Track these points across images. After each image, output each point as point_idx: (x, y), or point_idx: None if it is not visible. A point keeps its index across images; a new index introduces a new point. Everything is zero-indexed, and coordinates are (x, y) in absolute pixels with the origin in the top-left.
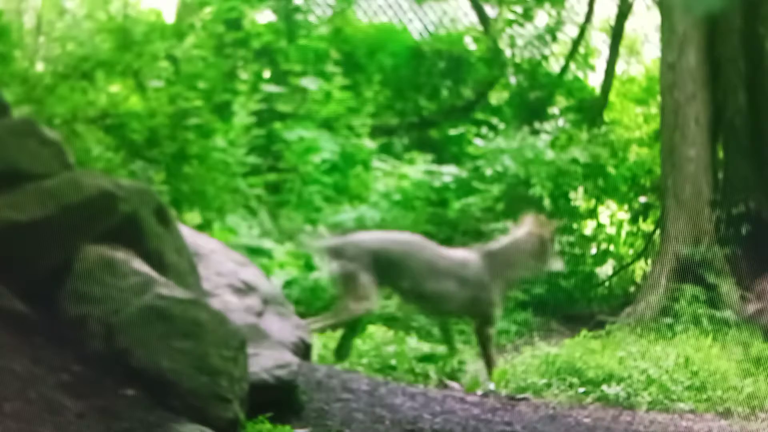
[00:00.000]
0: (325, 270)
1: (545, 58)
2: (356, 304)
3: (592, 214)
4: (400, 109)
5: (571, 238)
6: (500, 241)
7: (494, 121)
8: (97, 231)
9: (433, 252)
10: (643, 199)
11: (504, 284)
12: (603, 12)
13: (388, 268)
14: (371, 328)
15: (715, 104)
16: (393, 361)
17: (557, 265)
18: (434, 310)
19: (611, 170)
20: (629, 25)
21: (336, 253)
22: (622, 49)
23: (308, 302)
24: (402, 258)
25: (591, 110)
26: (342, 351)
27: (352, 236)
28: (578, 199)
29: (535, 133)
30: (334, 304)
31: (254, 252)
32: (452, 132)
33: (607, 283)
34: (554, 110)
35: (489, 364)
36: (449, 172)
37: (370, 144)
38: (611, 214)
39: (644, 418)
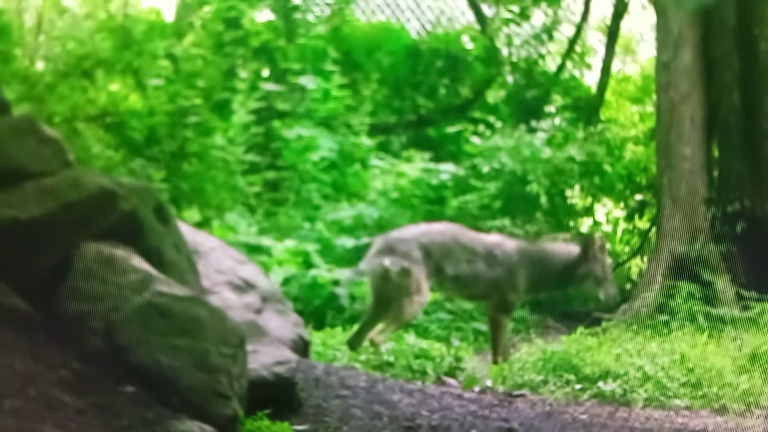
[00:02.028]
0: (372, 266)
1: (542, 56)
2: (413, 303)
3: (589, 211)
4: (398, 108)
5: (568, 236)
6: (545, 240)
7: (491, 119)
8: (97, 229)
9: (470, 237)
10: (638, 197)
11: (532, 279)
12: (599, 11)
13: (435, 259)
14: None
15: (709, 103)
16: (391, 358)
17: (608, 291)
18: (466, 293)
19: (607, 168)
20: (625, 25)
21: (387, 249)
22: (617, 48)
23: (306, 299)
24: (447, 247)
25: (587, 109)
26: (358, 340)
27: (399, 232)
28: (575, 196)
29: (532, 131)
30: (380, 302)
31: (253, 249)
32: (450, 130)
33: None
34: (551, 108)
35: (495, 352)
36: (447, 170)
37: (368, 142)
38: (607, 212)
39: (640, 415)
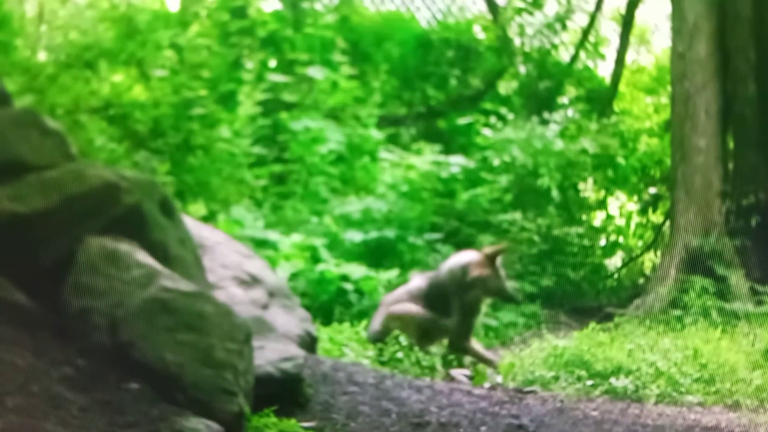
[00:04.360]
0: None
1: (555, 47)
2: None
3: (602, 205)
4: (408, 99)
5: (581, 230)
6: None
7: (503, 111)
8: (101, 223)
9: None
10: (652, 190)
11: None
12: (613, 1)
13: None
14: None
15: (725, 94)
16: (399, 354)
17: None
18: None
19: (621, 161)
20: (639, 14)
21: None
22: (632, 39)
23: (314, 294)
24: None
25: (601, 100)
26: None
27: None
28: (587, 190)
29: (544, 123)
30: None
31: (259, 244)
32: (460, 122)
33: (616, 275)
34: (564, 100)
35: (488, 364)
36: (457, 162)
37: (377, 134)
38: (621, 206)
39: (652, 411)
